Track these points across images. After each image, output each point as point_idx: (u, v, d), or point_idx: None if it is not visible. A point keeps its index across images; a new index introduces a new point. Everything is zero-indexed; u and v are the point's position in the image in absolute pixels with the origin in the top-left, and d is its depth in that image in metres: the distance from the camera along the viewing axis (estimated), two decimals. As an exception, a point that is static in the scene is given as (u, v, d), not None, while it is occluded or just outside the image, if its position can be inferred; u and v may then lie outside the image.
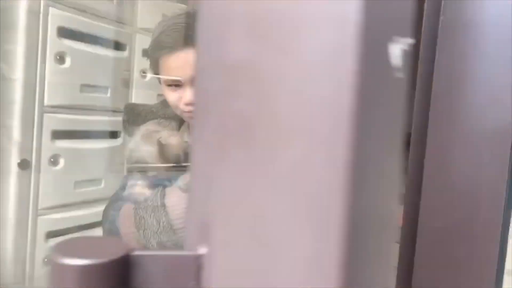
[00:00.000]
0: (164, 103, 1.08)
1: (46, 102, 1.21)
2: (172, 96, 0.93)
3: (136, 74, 1.39)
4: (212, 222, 0.27)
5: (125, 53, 1.36)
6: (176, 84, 0.92)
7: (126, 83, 1.38)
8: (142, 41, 1.39)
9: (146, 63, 1.41)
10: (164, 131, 0.98)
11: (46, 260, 1.25)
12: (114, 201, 0.99)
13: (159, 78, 0.99)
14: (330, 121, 0.20)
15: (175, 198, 0.87)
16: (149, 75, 1.42)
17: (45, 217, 1.25)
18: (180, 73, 0.91)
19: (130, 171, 0.97)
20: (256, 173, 0.22)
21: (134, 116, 1.04)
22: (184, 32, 0.90)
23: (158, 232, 0.85)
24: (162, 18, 1.04)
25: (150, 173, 0.95)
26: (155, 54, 0.94)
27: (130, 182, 0.94)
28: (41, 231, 1.24)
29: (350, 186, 0.19)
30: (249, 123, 0.22)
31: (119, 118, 1.38)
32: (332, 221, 0.19)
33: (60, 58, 1.22)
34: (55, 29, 1.20)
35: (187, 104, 0.91)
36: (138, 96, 1.40)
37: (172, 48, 0.90)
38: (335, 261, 0.19)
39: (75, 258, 0.24)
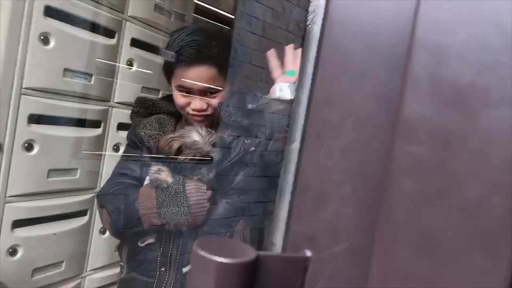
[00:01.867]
0: (166, 99, 1.11)
1: (24, 83, 1.14)
2: (181, 100, 1.05)
3: (122, 65, 1.34)
4: (319, 232, 0.31)
5: (112, 41, 1.31)
6: (187, 91, 1.03)
7: (111, 73, 1.33)
8: (132, 30, 1.34)
9: (133, 53, 1.36)
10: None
11: (10, 250, 1.18)
12: (115, 184, 1.07)
13: (169, 80, 1.03)
14: (506, 172, 0.23)
15: (193, 187, 0.98)
16: (135, 68, 1.38)
17: (13, 204, 1.17)
18: (193, 84, 1.01)
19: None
20: (431, 206, 0.25)
21: (143, 108, 1.12)
22: (201, 49, 1.00)
23: (177, 214, 0.96)
24: (181, 28, 1.08)
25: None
26: (172, 65, 1.03)
27: (153, 168, 1.02)
28: (8, 220, 1.16)
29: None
30: (423, 166, 0.25)
31: (102, 107, 1.33)
32: (502, 243, 0.23)
33: (44, 39, 1.15)
34: (42, 7, 1.13)
35: (195, 110, 1.04)
36: (123, 87, 1.35)
37: (189, 63, 1.01)
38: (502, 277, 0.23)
39: (221, 257, 0.27)
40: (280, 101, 0.92)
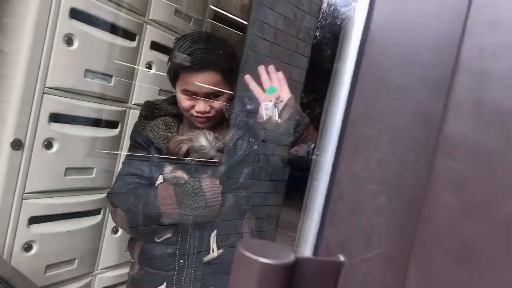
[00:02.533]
0: (168, 101, 1.17)
1: (48, 83, 1.16)
2: (185, 103, 1.11)
3: (141, 67, 1.37)
4: (353, 239, 0.33)
5: (133, 43, 1.34)
6: (191, 95, 1.09)
7: (130, 75, 1.35)
8: (152, 33, 1.37)
9: (153, 56, 1.39)
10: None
11: (26, 246, 1.20)
12: (127, 184, 1.11)
13: (174, 84, 1.13)
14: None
15: (208, 182, 1.06)
16: (154, 70, 1.41)
17: (30, 201, 1.20)
18: (197, 88, 1.07)
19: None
20: (470, 218, 0.27)
21: (150, 111, 1.18)
22: (206, 56, 1.06)
23: (196, 209, 1.03)
24: (185, 36, 1.14)
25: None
26: (178, 70, 1.09)
27: (167, 167, 1.09)
28: (24, 216, 1.19)
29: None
30: (463, 181, 0.27)
31: (120, 108, 1.35)
32: None
33: (68, 40, 1.18)
34: (67, 9, 1.16)
35: (198, 112, 1.10)
36: (141, 89, 1.38)
37: (195, 69, 1.06)
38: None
39: (265, 258, 0.29)
40: (270, 120, 0.98)
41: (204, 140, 1.06)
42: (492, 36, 0.27)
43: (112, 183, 1.25)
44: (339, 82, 0.39)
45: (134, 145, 1.18)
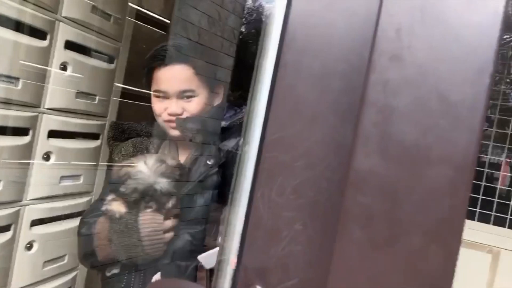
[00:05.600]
0: (148, 124, 1.10)
1: None
2: (158, 106, 1.03)
3: (54, 68, 1.25)
4: (270, 268, 0.32)
5: (44, 43, 1.22)
6: (163, 96, 1.02)
7: (42, 77, 1.23)
8: (66, 32, 1.26)
9: (68, 56, 1.28)
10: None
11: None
12: (92, 211, 1.04)
13: (149, 89, 1.06)
14: (444, 224, 0.26)
15: (148, 217, 0.94)
16: (69, 72, 1.30)
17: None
18: (168, 86, 1.01)
19: (114, 185, 0.97)
20: (379, 253, 0.27)
21: (119, 133, 1.10)
22: (176, 49, 1.02)
23: (128, 247, 0.93)
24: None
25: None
26: (150, 69, 1.04)
27: (108, 197, 0.98)
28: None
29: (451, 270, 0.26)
30: (371, 215, 0.27)
31: (30, 113, 1.23)
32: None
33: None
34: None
35: (170, 114, 1.01)
36: (55, 92, 1.26)
37: (165, 63, 1.01)
38: None
39: None
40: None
41: (141, 165, 0.95)
42: (396, 70, 0.27)
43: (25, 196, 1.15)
44: (256, 108, 0.38)
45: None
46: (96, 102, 1.38)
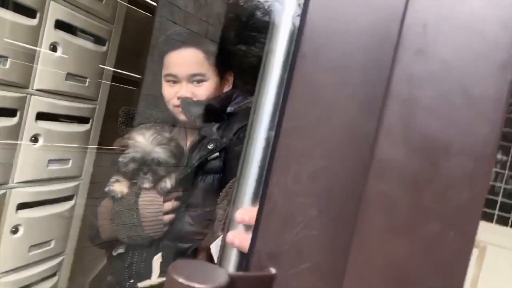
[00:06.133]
0: (158, 111, 1.13)
1: None
2: (168, 91, 1.04)
3: (44, 48, 1.22)
4: (284, 252, 0.34)
5: (34, 21, 1.18)
6: (174, 80, 1.03)
7: (31, 57, 1.20)
8: (57, 10, 1.22)
9: (58, 36, 1.25)
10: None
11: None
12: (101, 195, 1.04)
13: (162, 75, 1.07)
14: (462, 213, 0.27)
15: (147, 199, 0.95)
16: (59, 53, 1.27)
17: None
18: (179, 69, 1.01)
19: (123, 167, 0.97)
20: (400, 237, 0.28)
21: (129, 119, 1.10)
22: (187, 35, 1.07)
23: (128, 227, 0.94)
24: None
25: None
26: (163, 54, 1.05)
27: (112, 178, 1.00)
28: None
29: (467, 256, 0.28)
30: (393, 203, 0.28)
31: (18, 94, 1.20)
32: (457, 272, 0.27)
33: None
34: None
35: (180, 98, 1.02)
36: (44, 73, 1.23)
37: (174, 49, 1.02)
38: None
39: (199, 283, 0.28)
40: None
41: (140, 136, 0.96)
42: (421, 65, 0.28)
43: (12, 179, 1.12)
44: (264, 98, 0.39)
45: None
46: (86, 85, 1.36)
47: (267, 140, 0.45)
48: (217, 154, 0.97)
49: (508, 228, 1.67)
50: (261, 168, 0.46)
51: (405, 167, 0.28)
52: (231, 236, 0.46)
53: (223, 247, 0.49)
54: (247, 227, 0.47)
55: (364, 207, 0.29)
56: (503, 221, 1.67)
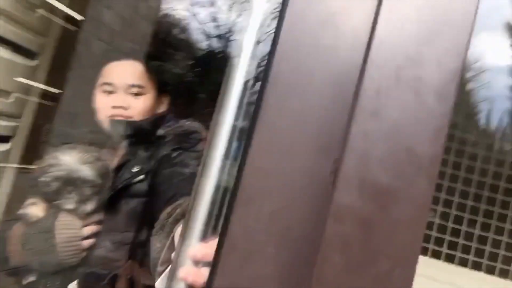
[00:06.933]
0: (86, 130, 1.04)
1: None
2: (102, 101, 1.00)
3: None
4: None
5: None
6: (110, 91, 0.99)
7: None
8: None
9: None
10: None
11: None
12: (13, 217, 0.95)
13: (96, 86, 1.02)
14: (406, 251, 0.32)
15: (64, 222, 0.88)
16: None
17: None
18: (117, 78, 0.98)
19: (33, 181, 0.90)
20: (353, 274, 0.31)
21: (53, 137, 1.10)
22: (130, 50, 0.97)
23: (42, 252, 0.86)
24: None
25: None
26: (100, 61, 1.00)
27: (27, 201, 0.92)
28: None
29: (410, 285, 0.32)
30: (349, 243, 0.32)
31: None
32: None
33: None
34: None
35: (115, 107, 0.98)
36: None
37: (113, 59, 1.00)
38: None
39: None
40: None
41: (64, 155, 0.90)
42: (374, 124, 0.33)
43: None
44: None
45: None
46: (9, 100, 1.26)
47: (220, 175, 0.48)
48: (143, 177, 0.94)
49: (441, 262, 1.78)
50: (212, 203, 0.48)
51: (359, 211, 0.32)
52: (184, 272, 0.46)
53: (171, 283, 0.49)
54: (197, 262, 0.48)
55: (323, 247, 0.33)
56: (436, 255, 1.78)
